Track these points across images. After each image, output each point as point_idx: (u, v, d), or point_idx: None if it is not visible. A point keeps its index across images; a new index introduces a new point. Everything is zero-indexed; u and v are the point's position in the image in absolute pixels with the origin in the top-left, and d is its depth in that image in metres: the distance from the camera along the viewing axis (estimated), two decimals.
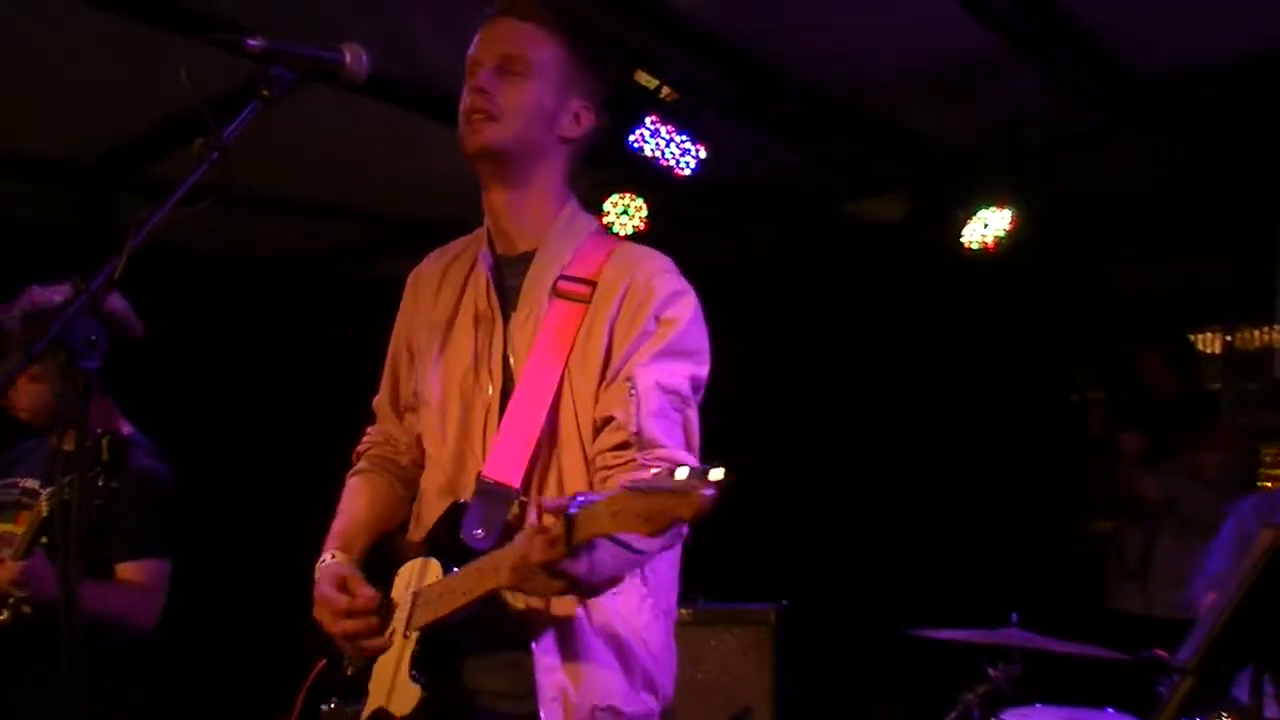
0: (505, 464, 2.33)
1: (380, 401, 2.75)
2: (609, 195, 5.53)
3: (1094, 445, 6.16)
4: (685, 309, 2.41)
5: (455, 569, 2.25)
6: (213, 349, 6.66)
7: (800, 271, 7.51)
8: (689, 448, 2.34)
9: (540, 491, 2.34)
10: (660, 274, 2.44)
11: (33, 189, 5.81)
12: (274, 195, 5.72)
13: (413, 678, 2.26)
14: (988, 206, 5.46)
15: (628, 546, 1.90)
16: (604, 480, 2.29)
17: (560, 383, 2.36)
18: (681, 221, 6.25)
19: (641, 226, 5.56)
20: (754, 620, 5.33)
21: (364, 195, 6.07)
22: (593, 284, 2.42)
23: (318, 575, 2.42)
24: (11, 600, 3.20)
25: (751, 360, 7.66)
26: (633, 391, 2.28)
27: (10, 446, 3.77)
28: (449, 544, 2.31)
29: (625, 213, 5.56)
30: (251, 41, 2.06)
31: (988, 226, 5.48)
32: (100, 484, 2.90)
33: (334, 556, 2.47)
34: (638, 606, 2.39)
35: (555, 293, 2.42)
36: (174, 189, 1.92)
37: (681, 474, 1.72)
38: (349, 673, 2.42)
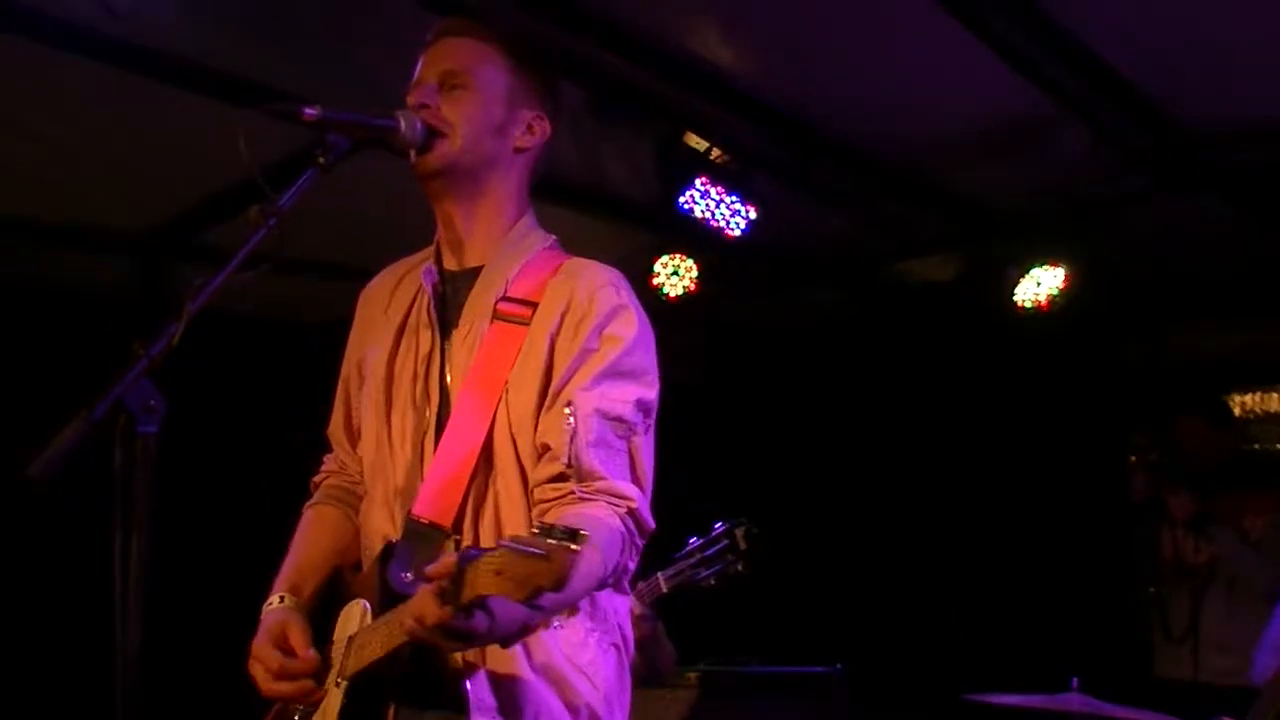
0: (437, 500, 2.24)
1: (334, 429, 2.65)
2: (659, 256, 5.54)
3: (1137, 509, 6.05)
4: (629, 327, 2.30)
5: (377, 612, 2.17)
6: (264, 415, 6.69)
7: (852, 332, 7.49)
8: (634, 477, 2.24)
9: (476, 527, 2.25)
10: (602, 288, 2.32)
11: (90, 258, 5.88)
12: (324, 260, 5.77)
13: None
14: (1041, 264, 5.42)
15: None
16: (542, 514, 2.19)
17: (496, 409, 2.26)
18: (732, 283, 6.25)
19: (692, 287, 5.56)
20: (809, 684, 5.27)
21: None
22: (534, 305, 2.32)
23: (261, 621, 2.33)
24: None
25: (805, 421, 7.65)
26: (569, 420, 2.18)
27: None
28: (378, 587, 2.22)
29: (675, 273, 5.55)
30: (308, 110, 2.08)
31: (1041, 285, 5.44)
32: None
33: (281, 600, 2.37)
34: (582, 641, 2.28)
35: (496, 315, 2.34)
36: (230, 256, 1.94)
37: (553, 536, 1.64)
38: (296, 717, 2.32)
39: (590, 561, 2.01)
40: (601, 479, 2.18)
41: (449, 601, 1.77)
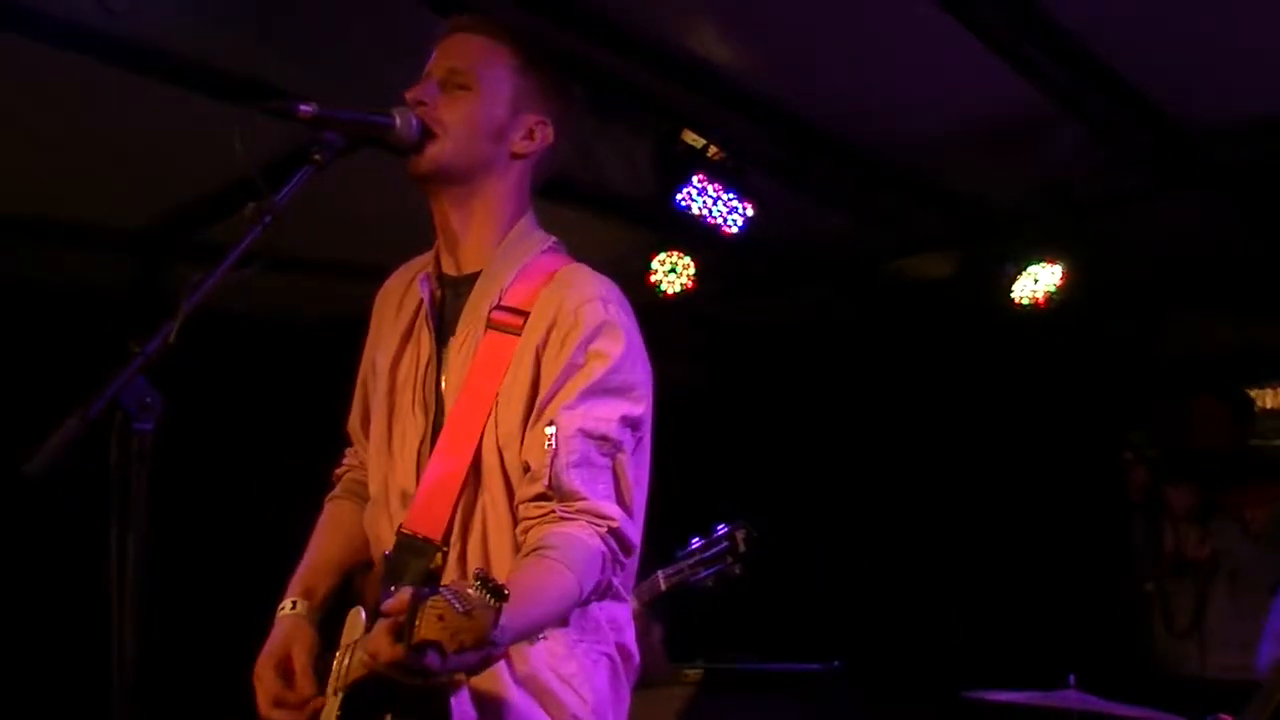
0: (427, 513, 2.23)
1: (352, 425, 2.66)
2: (656, 254, 5.54)
3: (1136, 503, 6.04)
4: (616, 342, 2.26)
5: (371, 624, 2.16)
6: (261, 413, 6.69)
7: (850, 330, 7.49)
8: (618, 496, 2.21)
9: (464, 541, 2.24)
10: (589, 302, 2.27)
11: (86, 256, 5.88)
12: (320, 258, 5.77)
13: None
14: (1038, 262, 5.42)
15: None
16: (525, 532, 2.17)
17: (485, 422, 2.24)
18: (729, 280, 6.25)
19: (689, 285, 5.56)
20: (807, 682, 5.28)
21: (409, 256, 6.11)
22: (525, 315, 2.29)
23: (274, 626, 2.36)
24: None
25: (803, 419, 7.65)
26: (550, 441, 2.16)
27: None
28: (376, 599, 2.22)
29: (673, 271, 5.55)
30: (303, 107, 2.08)
31: (1038, 282, 5.44)
32: None
33: (294, 606, 2.38)
34: (567, 653, 2.25)
35: (490, 324, 2.31)
36: (226, 254, 1.94)
37: (485, 589, 1.67)
38: None
39: (556, 587, 2.05)
40: (583, 499, 2.15)
41: (401, 639, 1.76)
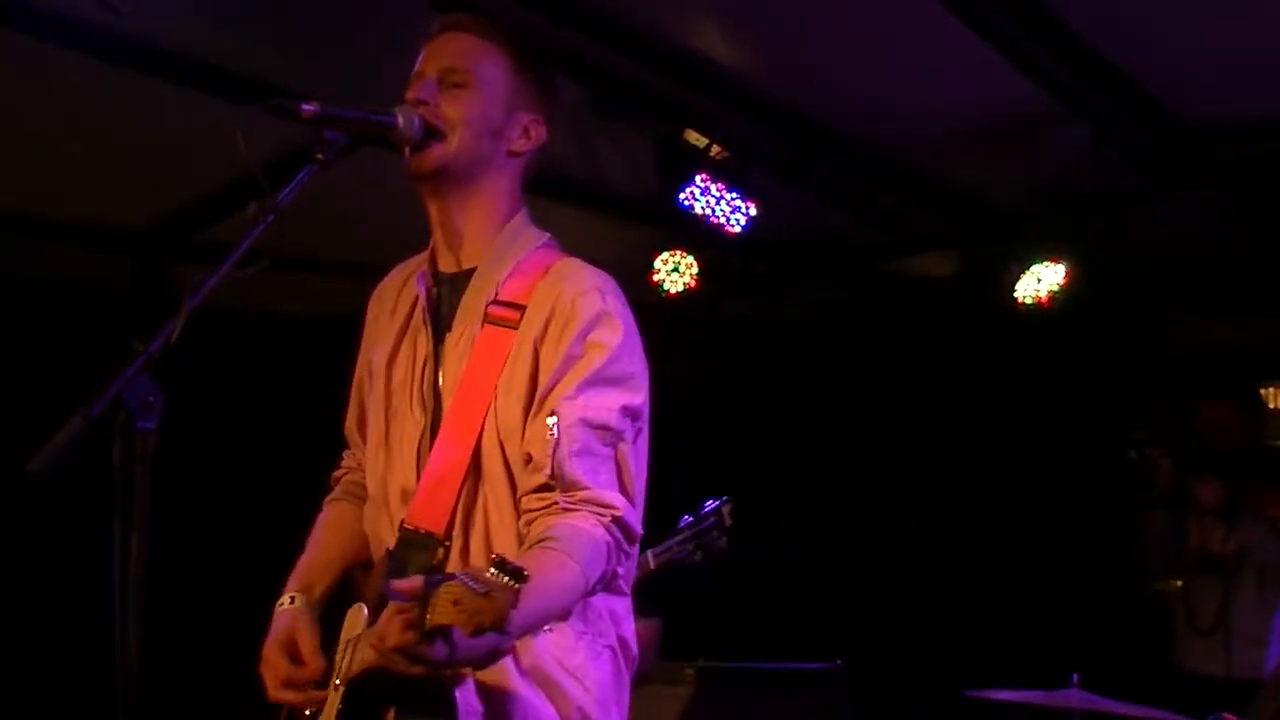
0: (429, 508, 2.24)
1: (349, 427, 2.65)
2: (659, 253, 5.54)
3: (1161, 499, 5.99)
4: (614, 333, 2.27)
5: (374, 619, 2.17)
6: (263, 411, 6.70)
7: (853, 329, 7.49)
8: (620, 485, 2.22)
9: (466, 535, 2.25)
10: (586, 294, 2.29)
11: (90, 255, 5.89)
12: (325, 257, 5.77)
13: None
14: (1041, 261, 5.42)
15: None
16: (528, 524, 2.18)
17: (485, 416, 2.25)
18: (732, 279, 6.25)
19: (692, 284, 5.56)
20: (808, 680, 5.27)
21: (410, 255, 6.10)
22: (521, 308, 2.31)
23: (273, 621, 2.35)
24: None
25: (806, 418, 7.64)
26: (552, 432, 2.17)
27: None
28: (378, 594, 2.21)
29: (675, 270, 5.55)
30: (306, 107, 2.07)
31: (1041, 281, 5.43)
32: None
33: (292, 601, 2.38)
34: (573, 645, 2.26)
35: (486, 318, 2.32)
36: (230, 253, 1.94)
37: (505, 573, 1.67)
38: (308, 713, 2.32)
39: (563, 579, 2.05)
40: (586, 489, 2.16)
41: (412, 625, 1.78)
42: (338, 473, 2.72)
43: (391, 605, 1.85)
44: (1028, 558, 6.80)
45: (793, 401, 7.70)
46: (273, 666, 2.27)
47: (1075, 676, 4.30)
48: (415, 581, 1.79)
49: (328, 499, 2.68)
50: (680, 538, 3.90)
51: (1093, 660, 4.46)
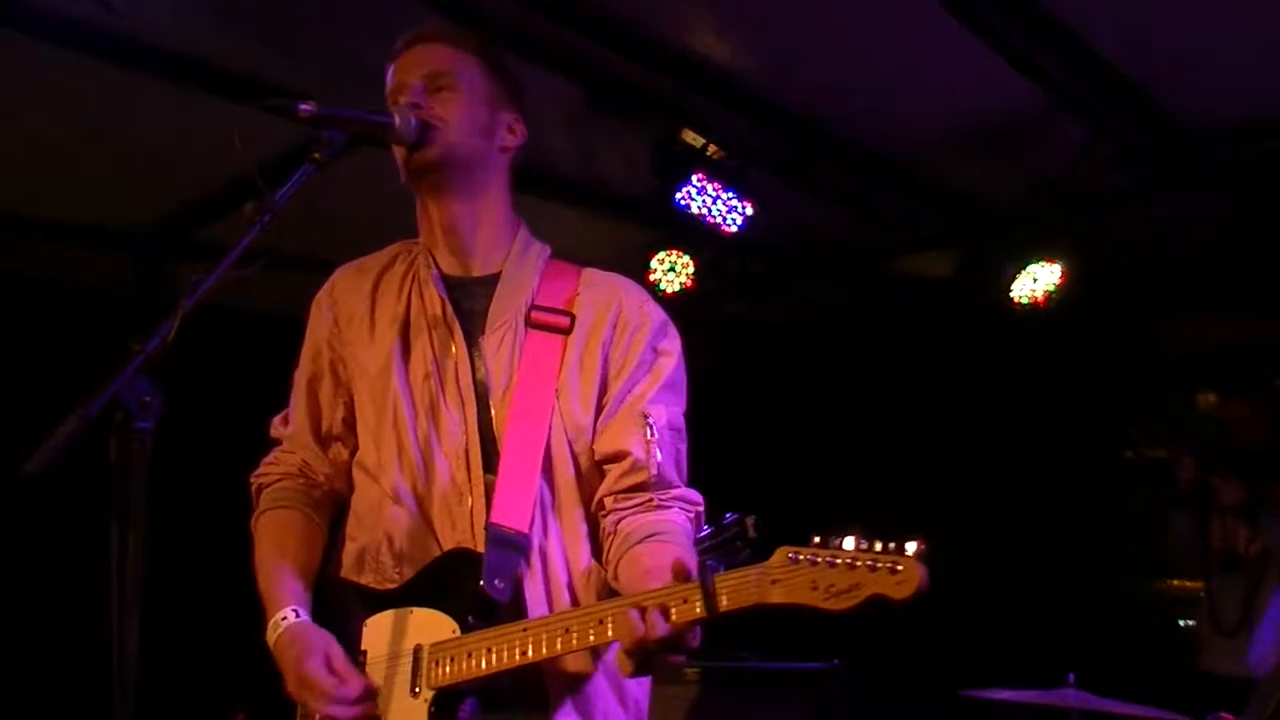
0: (512, 507, 2.26)
1: (296, 432, 2.55)
2: (656, 253, 5.54)
3: (1182, 498, 5.91)
4: (677, 342, 2.44)
5: (471, 621, 2.17)
6: (261, 411, 6.69)
7: (850, 328, 7.49)
8: (684, 484, 2.38)
9: (545, 531, 2.29)
10: (648, 302, 2.46)
11: (89, 255, 5.89)
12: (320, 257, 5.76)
13: None
14: (1037, 261, 5.42)
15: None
16: (617, 521, 2.28)
17: (551, 416, 2.33)
18: (729, 278, 6.25)
19: (689, 283, 5.56)
20: (804, 680, 5.27)
21: None
22: (569, 314, 2.39)
23: (285, 639, 2.27)
24: None
25: (803, 417, 7.65)
26: (651, 433, 2.31)
27: None
28: (465, 596, 2.20)
29: (672, 270, 5.55)
30: (303, 106, 2.07)
31: (1037, 281, 5.44)
32: None
33: (298, 615, 2.31)
34: None
35: (530, 323, 2.37)
36: (226, 253, 1.94)
37: (863, 548, 1.96)
38: None
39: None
40: (676, 487, 2.33)
41: (693, 614, 1.98)
42: (265, 479, 2.57)
43: (642, 602, 1.99)
44: (1024, 557, 6.80)
45: (790, 401, 7.70)
46: (318, 684, 2.20)
47: (1071, 676, 4.31)
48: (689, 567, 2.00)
49: (267, 509, 2.53)
50: (703, 548, 3.93)
51: (1089, 660, 4.47)
